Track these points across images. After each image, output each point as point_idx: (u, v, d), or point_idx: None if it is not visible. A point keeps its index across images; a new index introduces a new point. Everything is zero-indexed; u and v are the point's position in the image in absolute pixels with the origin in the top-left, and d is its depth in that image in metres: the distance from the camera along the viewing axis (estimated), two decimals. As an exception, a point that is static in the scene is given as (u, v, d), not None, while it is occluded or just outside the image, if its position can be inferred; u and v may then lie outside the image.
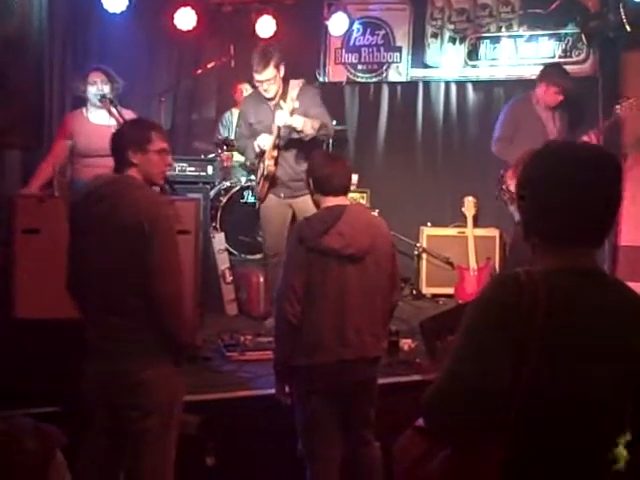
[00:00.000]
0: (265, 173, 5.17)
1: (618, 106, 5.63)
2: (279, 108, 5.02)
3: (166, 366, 2.98)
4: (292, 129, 5.03)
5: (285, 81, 5.20)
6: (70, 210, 3.11)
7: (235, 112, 7.17)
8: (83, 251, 3.02)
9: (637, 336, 1.72)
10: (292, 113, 4.93)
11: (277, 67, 5.07)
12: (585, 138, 5.49)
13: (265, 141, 5.15)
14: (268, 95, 5.16)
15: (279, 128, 5.02)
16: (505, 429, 1.66)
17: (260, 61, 5.03)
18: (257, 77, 5.09)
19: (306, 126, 5.00)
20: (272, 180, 5.20)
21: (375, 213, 6.51)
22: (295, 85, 5.24)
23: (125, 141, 3.07)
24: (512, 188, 5.20)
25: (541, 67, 6.45)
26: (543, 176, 1.76)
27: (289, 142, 5.16)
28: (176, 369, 3.03)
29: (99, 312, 2.97)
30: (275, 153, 5.15)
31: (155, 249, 2.88)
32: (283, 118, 4.92)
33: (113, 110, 4.92)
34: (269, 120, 5.15)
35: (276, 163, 5.17)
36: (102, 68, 5.08)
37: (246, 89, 7.06)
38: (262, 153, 5.22)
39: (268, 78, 5.07)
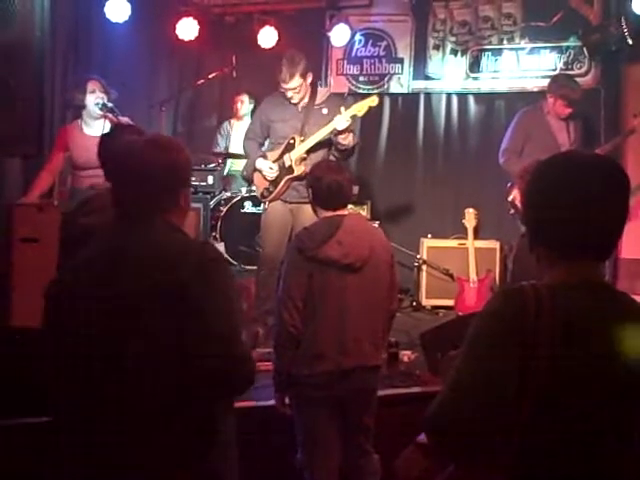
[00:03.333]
0: (298, 174, 5.11)
1: (635, 121, 5.55)
2: (337, 113, 4.99)
3: None
4: (337, 135, 5.04)
5: (313, 87, 5.25)
6: (61, 221, 3.10)
7: (234, 122, 7.20)
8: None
9: None
10: (349, 127, 4.98)
11: (303, 76, 5.10)
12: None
13: (264, 167, 5.19)
14: (295, 101, 5.19)
15: (335, 130, 5.01)
16: (510, 446, 1.62)
17: (287, 70, 5.04)
18: (284, 85, 5.11)
19: (349, 138, 5.06)
20: (300, 179, 5.16)
21: (375, 224, 6.52)
22: (323, 93, 5.33)
23: None
24: (518, 202, 5.16)
25: (543, 80, 6.44)
26: (551, 185, 1.73)
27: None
28: None
29: None
30: (305, 155, 5.15)
31: None
32: (343, 124, 4.94)
33: (113, 118, 4.92)
34: (295, 120, 5.18)
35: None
36: (97, 78, 5.09)
37: (242, 101, 7.09)
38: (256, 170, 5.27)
39: (294, 87, 5.09)
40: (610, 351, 1.64)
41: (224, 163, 7.09)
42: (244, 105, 7.17)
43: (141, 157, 2.07)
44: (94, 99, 4.97)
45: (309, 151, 5.13)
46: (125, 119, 4.96)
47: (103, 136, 3.26)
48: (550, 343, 1.60)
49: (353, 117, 5.01)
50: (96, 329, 1.95)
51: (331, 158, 5.19)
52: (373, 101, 5.09)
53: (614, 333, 1.66)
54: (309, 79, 5.17)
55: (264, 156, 5.27)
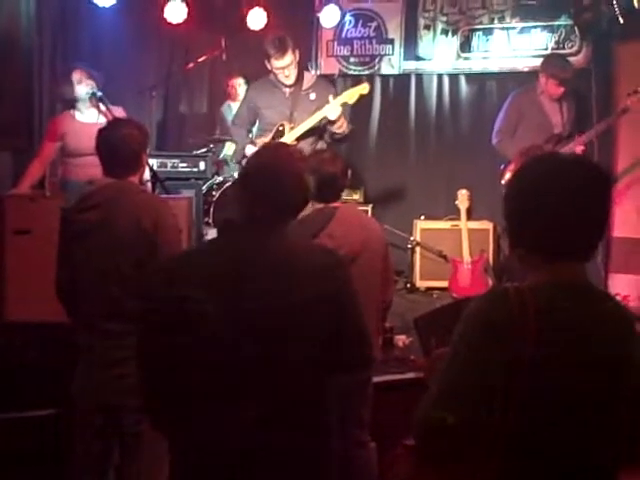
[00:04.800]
0: None
1: (629, 100, 5.55)
2: (325, 103, 4.96)
3: None
4: (331, 124, 5.02)
5: (299, 72, 5.19)
6: (61, 217, 3.09)
7: (232, 104, 7.13)
8: (76, 258, 3.00)
9: (626, 348, 1.70)
10: (341, 115, 4.96)
11: (294, 52, 5.04)
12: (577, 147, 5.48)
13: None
14: (289, 81, 5.12)
15: (326, 119, 4.99)
16: (497, 448, 1.64)
17: (278, 48, 4.98)
18: (277, 64, 5.03)
19: (343, 126, 5.03)
20: None
21: (368, 208, 6.52)
22: (310, 77, 5.26)
23: (142, 145, 3.09)
24: None
25: (534, 59, 6.42)
26: (530, 188, 1.73)
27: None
28: None
29: (95, 317, 2.97)
30: (295, 143, 5.10)
31: (162, 249, 2.89)
32: (335, 112, 4.92)
33: (102, 107, 4.89)
34: (284, 106, 5.14)
35: None
36: (80, 66, 5.06)
37: (239, 84, 7.01)
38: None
39: (288, 63, 5.03)
40: (596, 355, 1.65)
41: (223, 146, 7.03)
42: (240, 88, 7.11)
43: (280, 170, 2.13)
44: (84, 88, 4.94)
45: (299, 138, 5.10)
46: (118, 109, 4.93)
47: (101, 130, 3.25)
48: (535, 348, 1.60)
49: (344, 105, 4.97)
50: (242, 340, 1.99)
51: (321, 144, 5.17)
52: (364, 89, 5.05)
53: (599, 337, 1.67)
54: (297, 56, 5.11)
55: (253, 143, 5.23)
